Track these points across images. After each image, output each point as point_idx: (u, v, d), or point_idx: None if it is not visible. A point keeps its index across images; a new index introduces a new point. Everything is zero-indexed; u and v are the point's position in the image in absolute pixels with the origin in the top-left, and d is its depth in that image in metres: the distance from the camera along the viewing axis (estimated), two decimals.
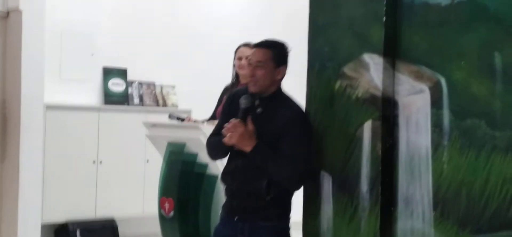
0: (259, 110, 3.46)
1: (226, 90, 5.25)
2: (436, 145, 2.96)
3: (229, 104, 3.64)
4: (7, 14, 6.27)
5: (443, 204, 2.94)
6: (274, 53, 3.45)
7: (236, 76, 5.26)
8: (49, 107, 6.57)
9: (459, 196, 2.88)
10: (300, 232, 3.59)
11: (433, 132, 2.98)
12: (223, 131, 3.44)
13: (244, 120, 3.40)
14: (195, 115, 5.69)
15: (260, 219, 3.46)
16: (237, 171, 3.49)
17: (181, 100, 7.37)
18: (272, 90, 3.49)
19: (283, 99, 3.52)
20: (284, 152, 3.36)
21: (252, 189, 3.42)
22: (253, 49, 3.52)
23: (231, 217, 3.54)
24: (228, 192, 3.59)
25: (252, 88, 3.45)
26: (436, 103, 2.96)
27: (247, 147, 3.37)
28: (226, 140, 3.40)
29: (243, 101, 3.43)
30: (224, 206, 3.64)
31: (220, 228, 3.63)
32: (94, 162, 6.83)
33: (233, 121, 3.41)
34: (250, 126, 3.39)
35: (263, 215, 3.45)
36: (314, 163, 3.46)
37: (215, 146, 3.59)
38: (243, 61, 5.12)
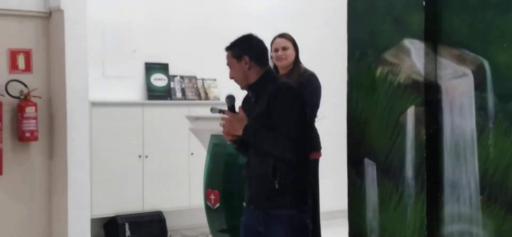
0: (253, 99, 3.65)
1: None
2: (481, 129, 2.93)
3: (244, 102, 3.80)
4: (49, 14, 6.38)
5: (490, 188, 2.91)
6: (232, 51, 3.67)
7: (275, 68, 5.27)
8: (94, 104, 6.68)
9: (506, 179, 2.84)
10: (346, 220, 3.59)
11: (477, 115, 2.95)
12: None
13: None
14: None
15: (272, 207, 3.53)
16: (251, 160, 3.65)
17: (223, 93, 7.41)
18: (255, 78, 3.63)
19: (270, 81, 3.64)
20: (274, 126, 3.47)
21: (261, 175, 3.53)
22: None
23: (249, 206, 3.68)
24: (246, 182, 3.71)
25: (239, 86, 3.70)
26: (479, 86, 2.93)
27: (239, 131, 3.56)
28: (222, 132, 3.65)
29: (227, 101, 3.69)
30: (245, 197, 3.76)
31: (243, 219, 3.75)
32: (139, 156, 6.93)
33: (225, 111, 3.68)
34: (241, 113, 3.60)
35: (275, 203, 3.52)
36: (355, 150, 3.47)
37: (234, 147, 3.78)
38: (280, 52, 5.14)
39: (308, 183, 3.67)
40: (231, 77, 3.69)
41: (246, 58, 3.63)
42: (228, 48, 3.71)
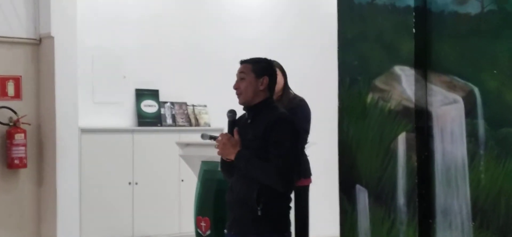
0: (249, 120, 3.64)
1: None
2: (472, 155, 2.94)
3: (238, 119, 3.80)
4: (40, 41, 6.38)
5: (482, 214, 2.90)
6: (254, 66, 3.66)
7: None
8: (84, 131, 6.65)
9: (498, 206, 2.84)
10: None
11: (468, 141, 2.95)
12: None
13: (231, 132, 3.63)
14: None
15: (254, 233, 3.53)
16: (234, 184, 3.66)
17: (214, 119, 7.41)
18: (259, 100, 3.63)
19: (270, 108, 3.65)
20: (268, 155, 3.48)
21: (244, 200, 3.53)
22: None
23: (229, 232, 3.69)
24: (228, 206, 3.72)
25: (239, 100, 3.66)
26: (470, 113, 2.94)
27: (231, 155, 3.58)
28: (217, 153, 3.66)
29: (228, 115, 3.69)
30: (227, 222, 3.76)
31: None
32: (129, 183, 6.89)
33: (220, 134, 3.67)
34: (235, 136, 3.60)
35: (257, 229, 3.52)
36: (346, 177, 3.46)
37: (220, 166, 3.78)
38: None
39: (289, 210, 3.67)
40: (237, 88, 3.65)
41: (266, 79, 3.65)
42: (248, 62, 3.68)
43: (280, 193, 3.53)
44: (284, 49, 7.27)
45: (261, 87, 3.63)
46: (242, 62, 3.71)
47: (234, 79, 3.71)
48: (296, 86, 5.28)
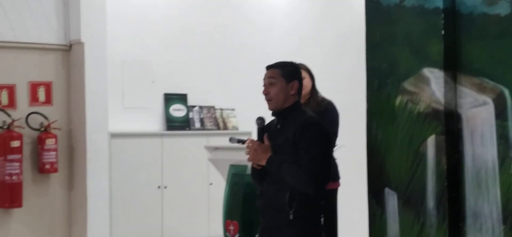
0: (278, 126, 3.63)
1: None
2: (502, 157, 2.91)
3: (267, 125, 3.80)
4: (70, 47, 6.46)
5: None
6: (283, 70, 3.63)
7: None
8: (114, 136, 6.70)
9: None
10: None
11: (499, 144, 2.92)
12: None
13: (261, 139, 3.61)
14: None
15: None
16: (265, 189, 3.64)
17: (241, 122, 7.42)
18: (288, 105, 3.62)
19: (298, 111, 3.64)
20: (299, 159, 3.47)
21: (276, 205, 3.52)
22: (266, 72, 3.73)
23: None
24: (260, 212, 3.69)
25: (270, 105, 3.64)
26: (500, 115, 2.91)
27: (263, 161, 3.57)
28: (247, 159, 3.65)
29: (258, 122, 3.66)
30: (259, 227, 3.75)
31: None
32: (159, 187, 6.93)
33: (249, 140, 3.67)
34: (266, 142, 3.59)
35: (289, 233, 3.50)
36: (375, 180, 3.44)
37: (251, 173, 3.77)
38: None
39: (322, 214, 3.65)
40: (267, 94, 3.63)
41: (296, 83, 3.63)
42: (276, 66, 3.66)
43: (312, 197, 3.52)
44: (311, 51, 7.27)
45: (292, 92, 3.62)
46: (269, 67, 3.68)
47: (261, 83, 3.71)
48: (324, 88, 5.27)
